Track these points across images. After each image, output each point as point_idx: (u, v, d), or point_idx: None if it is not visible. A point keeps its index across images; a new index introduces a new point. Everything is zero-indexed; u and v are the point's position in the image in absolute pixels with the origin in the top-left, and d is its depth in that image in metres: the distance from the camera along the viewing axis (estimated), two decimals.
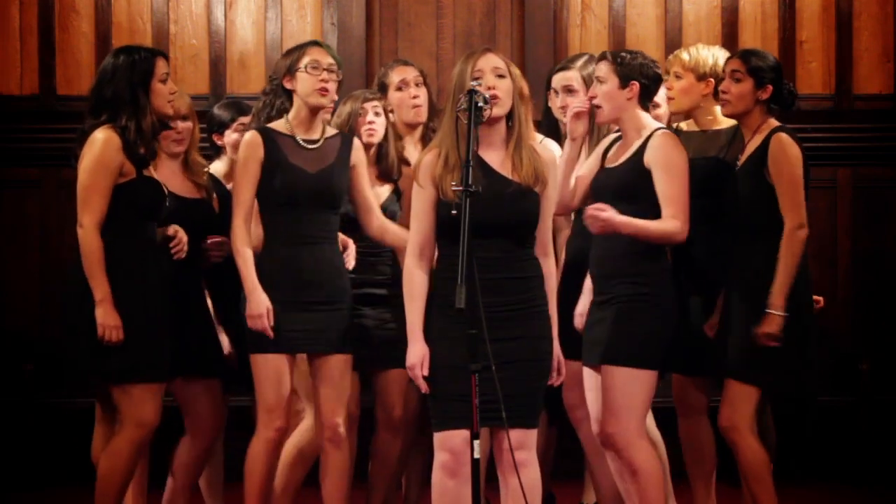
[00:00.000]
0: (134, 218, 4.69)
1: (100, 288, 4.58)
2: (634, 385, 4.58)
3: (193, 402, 4.98)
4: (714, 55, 5.11)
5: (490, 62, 4.26)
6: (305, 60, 4.79)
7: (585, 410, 4.84)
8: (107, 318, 4.56)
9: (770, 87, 4.84)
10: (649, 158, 4.62)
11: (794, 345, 4.73)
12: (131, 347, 4.61)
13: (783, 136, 4.77)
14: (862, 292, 7.33)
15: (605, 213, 4.50)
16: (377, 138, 5.19)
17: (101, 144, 4.62)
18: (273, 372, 4.72)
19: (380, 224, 4.90)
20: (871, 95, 7.38)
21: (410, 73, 5.45)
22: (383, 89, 5.45)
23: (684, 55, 5.15)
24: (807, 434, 4.86)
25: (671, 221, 4.58)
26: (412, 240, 4.29)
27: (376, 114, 5.20)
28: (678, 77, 5.12)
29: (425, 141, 5.42)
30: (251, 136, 4.80)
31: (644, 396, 4.62)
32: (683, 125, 5.25)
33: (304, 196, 4.75)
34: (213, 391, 5.02)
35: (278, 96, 4.99)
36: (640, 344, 4.57)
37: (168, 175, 4.99)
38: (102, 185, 4.62)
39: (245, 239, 4.73)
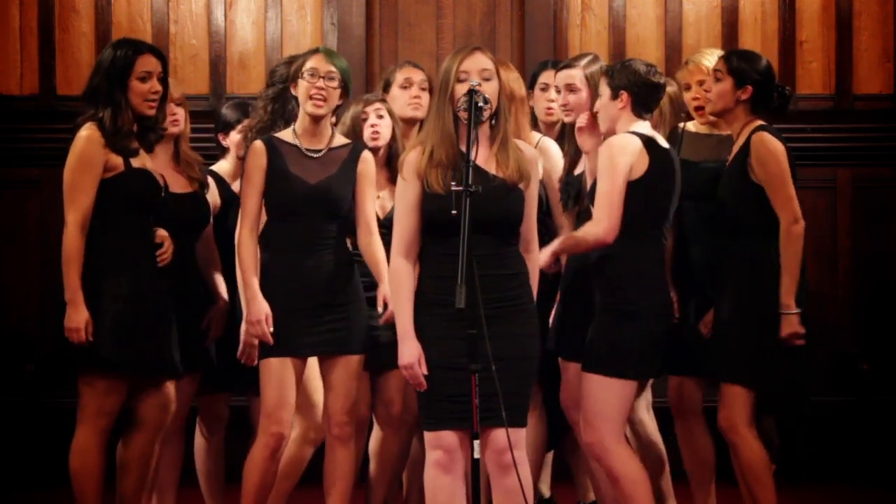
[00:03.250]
0: (124, 211, 4.68)
1: (70, 288, 4.57)
2: (607, 393, 4.57)
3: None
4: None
5: (478, 63, 4.24)
6: (305, 67, 4.78)
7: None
8: (71, 322, 4.55)
9: (750, 88, 4.82)
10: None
11: (784, 346, 4.73)
12: (114, 337, 4.59)
13: (763, 133, 4.77)
14: (862, 292, 7.33)
15: (542, 258, 4.49)
16: (383, 140, 5.19)
17: (82, 142, 4.62)
18: (276, 377, 4.69)
19: (366, 243, 4.86)
20: (871, 95, 7.38)
21: (417, 76, 5.47)
22: (387, 87, 5.46)
23: (708, 60, 5.15)
24: (801, 434, 4.85)
25: (589, 226, 4.58)
26: (398, 237, 4.26)
27: (379, 116, 5.19)
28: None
29: None
30: (256, 145, 4.79)
31: (618, 405, 4.59)
32: (691, 125, 5.24)
33: (303, 205, 4.74)
34: (190, 389, 5.07)
35: (287, 101, 5.00)
36: (613, 353, 4.54)
37: (160, 170, 4.97)
38: (85, 183, 4.61)
39: (251, 250, 4.73)
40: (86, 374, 4.63)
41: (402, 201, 4.25)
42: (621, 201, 4.54)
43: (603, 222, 4.54)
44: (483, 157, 4.25)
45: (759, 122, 4.82)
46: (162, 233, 4.84)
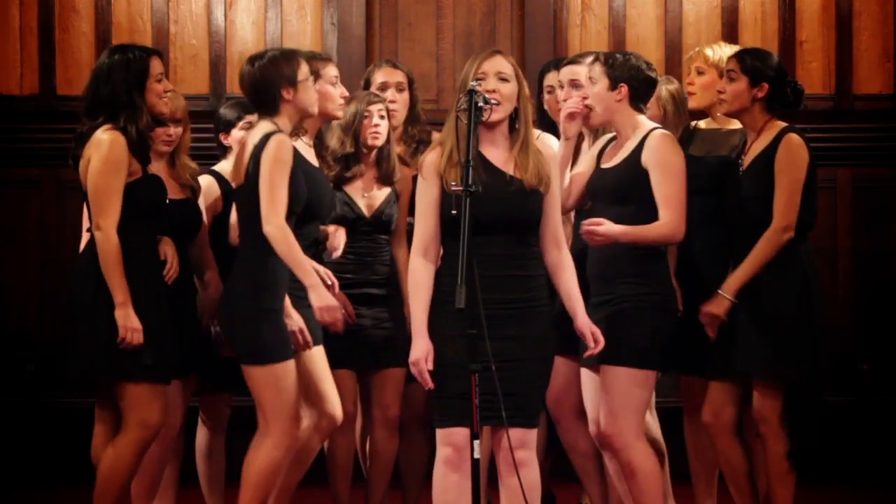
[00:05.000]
0: (140, 217, 4.69)
1: (120, 291, 4.56)
2: (634, 385, 4.59)
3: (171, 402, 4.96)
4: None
5: (495, 65, 4.26)
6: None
7: (568, 408, 4.85)
8: (129, 321, 4.55)
9: (766, 86, 4.84)
10: (646, 159, 4.64)
11: (811, 342, 4.76)
12: (143, 347, 4.60)
13: (794, 137, 4.78)
14: (862, 292, 7.33)
15: (603, 228, 4.50)
16: (381, 141, 5.22)
17: (108, 145, 4.61)
18: (292, 379, 4.67)
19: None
20: (871, 95, 7.38)
21: (394, 77, 5.48)
22: (367, 86, 5.48)
23: (708, 51, 5.19)
24: (816, 432, 4.86)
25: (668, 224, 4.60)
26: (417, 237, 4.29)
27: (381, 116, 5.22)
28: (700, 73, 5.13)
29: (404, 143, 5.46)
30: (288, 140, 4.68)
31: (643, 397, 4.62)
32: (702, 124, 5.27)
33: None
34: (188, 390, 5.08)
35: None
36: (641, 344, 4.57)
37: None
38: (116, 186, 4.61)
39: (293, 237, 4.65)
40: (133, 382, 4.63)
41: (422, 201, 4.27)
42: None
43: (678, 222, 4.59)
44: (502, 158, 4.28)
45: (782, 123, 4.84)
46: (166, 248, 4.85)
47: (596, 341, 4.34)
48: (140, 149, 4.67)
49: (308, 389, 4.91)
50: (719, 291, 4.75)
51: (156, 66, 4.74)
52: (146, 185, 4.71)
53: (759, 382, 4.80)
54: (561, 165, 4.82)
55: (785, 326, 4.74)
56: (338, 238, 5.01)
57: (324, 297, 4.59)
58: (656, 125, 4.77)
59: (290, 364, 4.66)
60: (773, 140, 4.80)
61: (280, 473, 4.73)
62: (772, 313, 4.75)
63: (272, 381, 4.66)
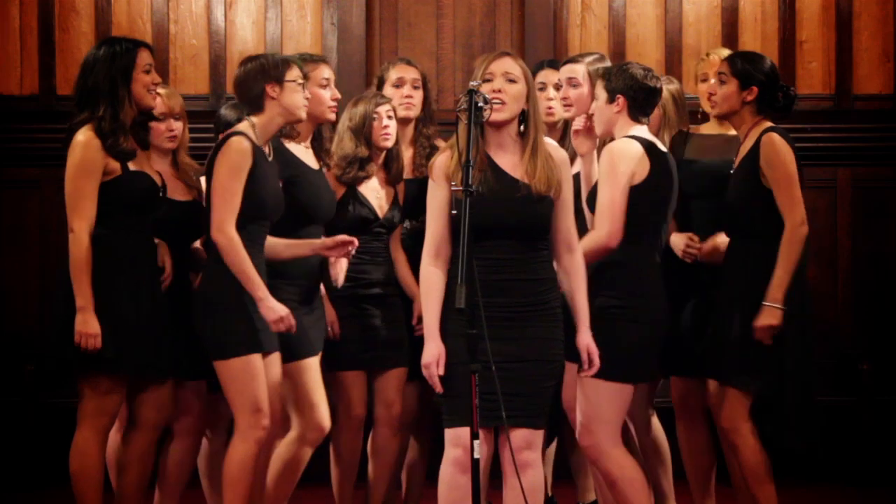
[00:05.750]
0: (124, 213, 4.69)
1: (83, 295, 4.56)
2: (604, 397, 4.57)
3: (184, 403, 4.98)
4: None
5: (503, 66, 4.27)
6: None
7: None
8: (86, 327, 4.55)
9: (755, 89, 4.84)
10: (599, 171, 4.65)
11: (783, 348, 4.73)
12: (117, 339, 4.60)
13: (774, 135, 4.78)
14: (862, 292, 7.33)
15: None
16: (392, 142, 5.24)
17: (80, 149, 4.61)
18: (256, 373, 4.65)
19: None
20: (871, 95, 7.38)
21: (410, 74, 5.49)
22: (381, 85, 5.48)
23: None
24: (809, 438, 4.84)
25: (592, 235, 4.57)
26: (428, 240, 4.29)
27: (389, 117, 5.23)
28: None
29: (416, 144, 5.46)
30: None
31: (615, 408, 4.59)
32: (703, 128, 5.26)
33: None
34: (201, 392, 5.04)
35: None
36: (611, 357, 4.50)
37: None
38: (88, 190, 4.61)
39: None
40: (88, 374, 4.63)
41: (433, 204, 4.28)
42: (624, 207, 4.54)
43: (605, 227, 4.54)
44: (511, 162, 4.28)
45: (768, 124, 4.83)
46: (164, 255, 4.85)
47: (591, 364, 4.34)
48: (115, 145, 4.64)
49: (298, 399, 4.90)
50: (765, 303, 4.69)
51: (143, 57, 4.73)
52: (127, 182, 4.69)
53: (725, 389, 4.79)
54: (585, 183, 4.84)
55: (748, 335, 4.73)
56: (339, 267, 5.00)
57: (275, 308, 4.59)
58: (634, 135, 4.70)
59: (255, 359, 4.63)
60: (756, 142, 4.80)
61: (252, 468, 4.68)
62: (741, 320, 4.74)
63: (234, 375, 4.63)
